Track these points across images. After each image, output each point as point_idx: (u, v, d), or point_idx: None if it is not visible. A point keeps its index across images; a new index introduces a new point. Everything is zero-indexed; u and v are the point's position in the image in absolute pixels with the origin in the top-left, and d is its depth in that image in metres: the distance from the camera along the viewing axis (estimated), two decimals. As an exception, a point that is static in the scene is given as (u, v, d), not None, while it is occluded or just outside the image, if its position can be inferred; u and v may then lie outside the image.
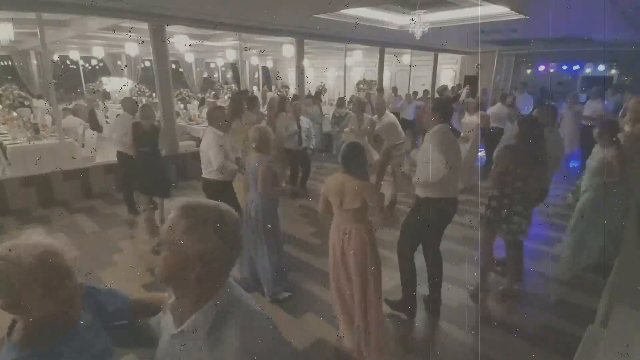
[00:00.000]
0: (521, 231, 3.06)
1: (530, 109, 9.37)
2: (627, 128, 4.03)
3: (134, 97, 10.75)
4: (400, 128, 5.35)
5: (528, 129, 2.97)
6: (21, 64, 11.38)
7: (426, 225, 2.89)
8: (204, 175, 3.61)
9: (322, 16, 6.24)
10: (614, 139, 3.37)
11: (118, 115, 5.28)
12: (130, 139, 4.58)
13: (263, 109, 7.45)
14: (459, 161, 2.80)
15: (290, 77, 15.87)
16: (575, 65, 12.34)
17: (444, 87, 11.35)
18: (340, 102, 8.13)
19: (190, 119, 9.14)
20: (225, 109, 4.20)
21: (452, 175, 2.71)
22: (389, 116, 5.35)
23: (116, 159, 5.07)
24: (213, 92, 13.25)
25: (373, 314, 2.45)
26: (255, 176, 3.04)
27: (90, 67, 14.05)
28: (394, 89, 11.61)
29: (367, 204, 2.39)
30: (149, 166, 4.59)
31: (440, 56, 12.93)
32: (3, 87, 8.98)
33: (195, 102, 11.55)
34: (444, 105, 2.88)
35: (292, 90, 12.70)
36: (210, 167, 3.49)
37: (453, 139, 2.85)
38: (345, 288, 2.52)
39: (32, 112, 8.51)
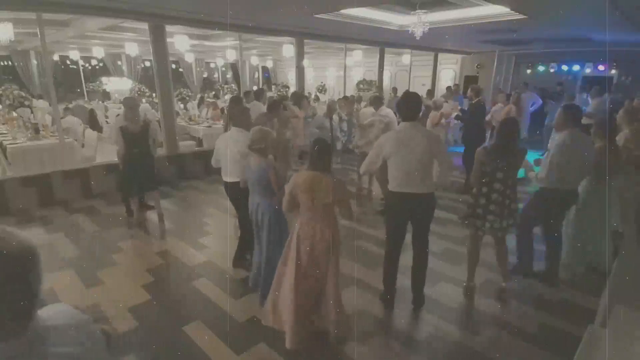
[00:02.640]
0: (501, 229, 3.08)
1: (533, 107, 9.39)
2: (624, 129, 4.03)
3: (135, 95, 10.77)
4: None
5: (506, 129, 2.99)
6: (21, 64, 11.39)
7: (396, 218, 3.01)
8: (227, 180, 3.63)
9: (322, 16, 6.24)
10: (609, 135, 3.38)
11: (118, 115, 5.22)
12: (120, 143, 4.49)
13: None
14: (423, 158, 2.81)
15: (290, 77, 15.87)
16: (575, 65, 12.34)
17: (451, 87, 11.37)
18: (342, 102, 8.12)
19: (190, 119, 9.14)
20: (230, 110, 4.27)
21: (410, 171, 2.80)
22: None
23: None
24: (213, 92, 13.25)
25: (331, 293, 2.61)
26: (260, 180, 2.94)
27: (90, 67, 14.06)
28: (394, 90, 11.61)
29: (336, 199, 2.48)
30: (141, 166, 4.56)
31: (440, 56, 12.94)
32: (3, 87, 8.97)
33: (195, 102, 11.55)
34: (405, 103, 2.98)
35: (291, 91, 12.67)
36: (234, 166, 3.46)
37: (413, 136, 2.83)
38: (307, 279, 2.61)
39: (32, 112, 8.52)
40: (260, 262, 3.13)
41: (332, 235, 2.54)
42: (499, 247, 3.27)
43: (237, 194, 3.44)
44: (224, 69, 16.69)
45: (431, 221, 3.00)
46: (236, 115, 3.79)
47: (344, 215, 2.60)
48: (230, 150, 3.47)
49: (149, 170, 4.70)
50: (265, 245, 3.04)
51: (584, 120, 7.06)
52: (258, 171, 2.94)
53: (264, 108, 6.14)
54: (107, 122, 9.28)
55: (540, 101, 9.53)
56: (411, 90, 11.46)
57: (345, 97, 8.39)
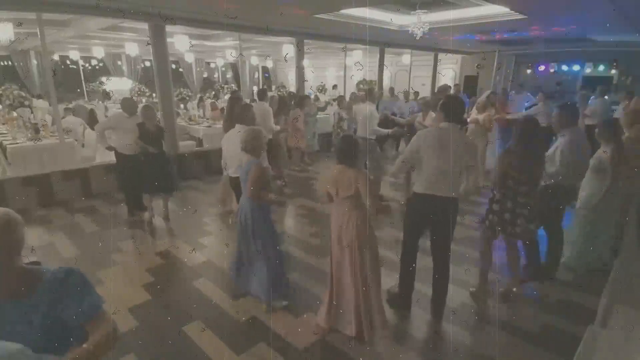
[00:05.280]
0: (526, 233, 3.01)
1: (523, 109, 9.46)
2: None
3: (133, 97, 10.80)
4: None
5: (526, 131, 2.93)
6: (21, 64, 11.38)
7: (418, 221, 2.92)
8: (232, 175, 3.72)
9: (322, 16, 6.24)
10: (615, 137, 3.37)
11: (114, 114, 5.18)
12: (135, 140, 4.52)
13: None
14: (456, 161, 2.71)
15: (290, 77, 15.88)
16: (575, 65, 12.34)
17: (446, 87, 11.34)
18: (341, 101, 8.12)
19: (190, 119, 9.14)
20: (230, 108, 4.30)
21: (442, 173, 2.71)
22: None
23: (115, 159, 4.99)
24: (213, 92, 13.26)
25: (374, 294, 2.67)
26: (245, 179, 2.93)
27: (90, 67, 14.04)
28: (391, 90, 11.55)
29: (361, 192, 2.53)
30: (156, 166, 4.60)
31: (440, 56, 12.93)
32: (3, 87, 8.97)
33: (195, 102, 11.57)
34: (448, 104, 2.83)
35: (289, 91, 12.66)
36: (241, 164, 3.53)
37: (453, 138, 2.74)
38: (345, 274, 2.69)
39: (32, 112, 8.51)
40: (250, 264, 3.11)
41: (359, 226, 2.57)
42: (513, 251, 3.22)
43: (236, 186, 3.57)
44: (224, 69, 16.68)
45: (454, 228, 2.88)
46: (239, 112, 3.82)
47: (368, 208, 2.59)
48: (233, 147, 3.59)
49: (166, 172, 4.73)
50: (254, 245, 3.00)
51: (586, 121, 7.10)
52: (245, 172, 2.94)
53: (268, 107, 6.14)
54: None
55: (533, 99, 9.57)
56: (412, 90, 11.51)
57: (342, 97, 8.42)
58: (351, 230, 2.59)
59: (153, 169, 4.59)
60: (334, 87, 11.45)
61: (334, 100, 11.02)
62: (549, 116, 7.26)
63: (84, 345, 1.21)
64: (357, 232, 2.58)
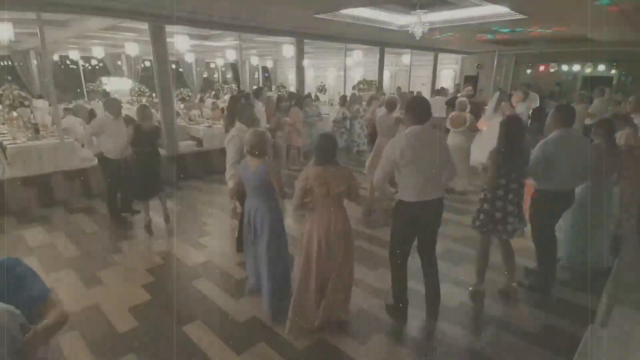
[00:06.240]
0: (516, 231, 3.03)
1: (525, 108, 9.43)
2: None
3: (133, 97, 10.81)
4: None
5: (508, 129, 2.93)
6: (21, 64, 11.38)
7: (406, 230, 2.81)
8: None
9: (322, 16, 6.24)
10: (606, 137, 3.38)
11: (98, 117, 5.02)
12: (125, 143, 4.36)
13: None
14: (437, 163, 2.64)
15: (290, 77, 15.89)
16: (575, 65, 12.35)
17: (441, 89, 11.38)
18: (343, 101, 8.12)
19: (190, 119, 9.14)
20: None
21: (428, 176, 2.63)
22: None
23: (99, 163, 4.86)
24: (213, 92, 13.26)
25: (346, 276, 2.80)
26: (261, 184, 2.86)
27: (90, 67, 14.05)
28: (398, 90, 11.54)
29: (348, 190, 2.63)
30: (149, 168, 4.47)
31: (440, 56, 12.94)
32: (3, 87, 8.95)
33: (195, 102, 11.58)
34: (415, 105, 2.73)
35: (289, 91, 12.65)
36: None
37: (428, 139, 2.67)
38: (326, 271, 2.74)
39: (32, 112, 8.50)
40: (258, 267, 3.06)
41: (344, 222, 2.70)
42: (507, 249, 3.21)
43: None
44: (223, 69, 16.69)
45: (439, 226, 2.85)
46: (239, 111, 3.83)
47: (354, 200, 2.74)
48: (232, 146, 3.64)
49: (157, 172, 4.60)
50: (265, 250, 2.93)
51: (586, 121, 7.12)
52: (258, 175, 2.84)
53: (262, 107, 6.14)
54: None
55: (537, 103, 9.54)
56: (411, 90, 11.50)
57: (344, 96, 8.42)
58: (338, 229, 2.66)
59: (145, 171, 4.42)
60: (353, 87, 11.42)
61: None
62: (527, 117, 7.26)
63: (39, 325, 1.25)
64: (342, 230, 2.67)
